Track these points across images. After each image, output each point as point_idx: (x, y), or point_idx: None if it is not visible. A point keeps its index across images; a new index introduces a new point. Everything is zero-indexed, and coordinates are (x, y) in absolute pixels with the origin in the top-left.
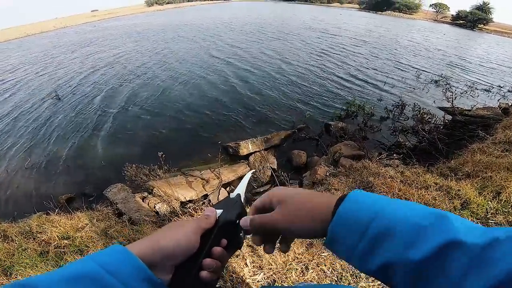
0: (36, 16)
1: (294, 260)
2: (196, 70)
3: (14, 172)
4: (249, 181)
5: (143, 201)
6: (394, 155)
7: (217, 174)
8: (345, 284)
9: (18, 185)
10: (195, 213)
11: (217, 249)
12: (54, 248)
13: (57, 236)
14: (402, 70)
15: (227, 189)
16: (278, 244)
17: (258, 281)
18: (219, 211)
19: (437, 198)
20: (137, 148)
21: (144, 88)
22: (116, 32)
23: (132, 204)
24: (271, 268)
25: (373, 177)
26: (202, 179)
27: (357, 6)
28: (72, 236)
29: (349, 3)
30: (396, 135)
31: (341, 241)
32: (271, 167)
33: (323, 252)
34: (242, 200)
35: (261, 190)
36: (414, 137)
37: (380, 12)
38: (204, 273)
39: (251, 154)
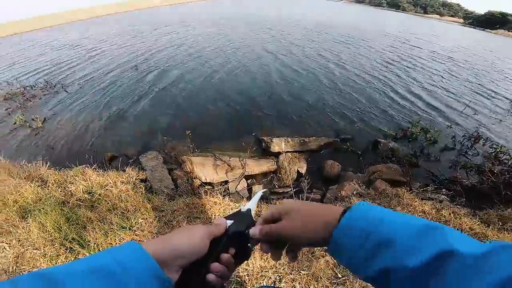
0: None
1: (271, 268)
2: (250, 62)
3: (81, 124)
4: (260, 198)
5: (169, 173)
6: (443, 190)
7: (243, 164)
8: None
9: (80, 137)
10: (205, 196)
11: (225, 256)
12: (75, 200)
13: (82, 190)
14: (490, 98)
15: (248, 181)
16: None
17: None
18: (230, 222)
19: None
20: (183, 122)
21: (204, 72)
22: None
23: (158, 173)
24: (246, 269)
25: (401, 208)
26: (229, 165)
27: (461, 20)
28: (93, 192)
29: (451, 16)
30: (455, 170)
31: (343, 247)
32: (298, 171)
33: (303, 270)
34: (253, 215)
35: (280, 191)
36: (477, 176)
37: (489, 30)
38: (211, 276)
39: (282, 152)
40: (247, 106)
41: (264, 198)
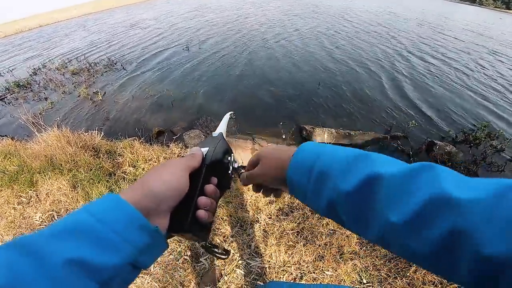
0: None
1: (295, 264)
2: (300, 48)
3: (135, 99)
4: (228, 120)
5: None
6: None
7: None
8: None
9: (133, 111)
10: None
11: (210, 187)
12: (121, 172)
13: (128, 162)
14: None
15: None
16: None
17: (250, 266)
18: (205, 149)
19: None
20: (227, 104)
21: (255, 52)
22: None
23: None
24: (269, 261)
25: None
26: None
27: None
28: (138, 166)
29: None
30: None
31: (296, 185)
32: None
33: (328, 270)
34: (225, 137)
35: None
36: None
37: None
38: (201, 212)
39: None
40: (293, 93)
41: None
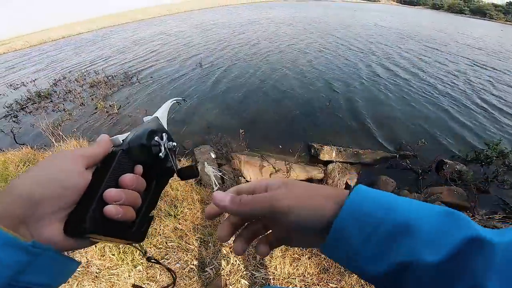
0: None
1: (300, 276)
2: (312, 66)
3: (148, 113)
4: (171, 106)
5: (219, 168)
6: None
7: (288, 168)
8: None
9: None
10: None
11: (127, 177)
12: None
13: None
14: None
15: None
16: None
17: (255, 276)
18: (124, 135)
19: None
20: (239, 121)
21: (265, 70)
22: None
23: (208, 167)
24: (274, 273)
25: None
26: (274, 167)
27: None
28: None
29: None
30: None
31: (347, 236)
32: (347, 183)
33: (332, 283)
34: (164, 124)
35: None
36: None
37: None
38: (110, 208)
39: (332, 162)
40: (302, 110)
41: None
